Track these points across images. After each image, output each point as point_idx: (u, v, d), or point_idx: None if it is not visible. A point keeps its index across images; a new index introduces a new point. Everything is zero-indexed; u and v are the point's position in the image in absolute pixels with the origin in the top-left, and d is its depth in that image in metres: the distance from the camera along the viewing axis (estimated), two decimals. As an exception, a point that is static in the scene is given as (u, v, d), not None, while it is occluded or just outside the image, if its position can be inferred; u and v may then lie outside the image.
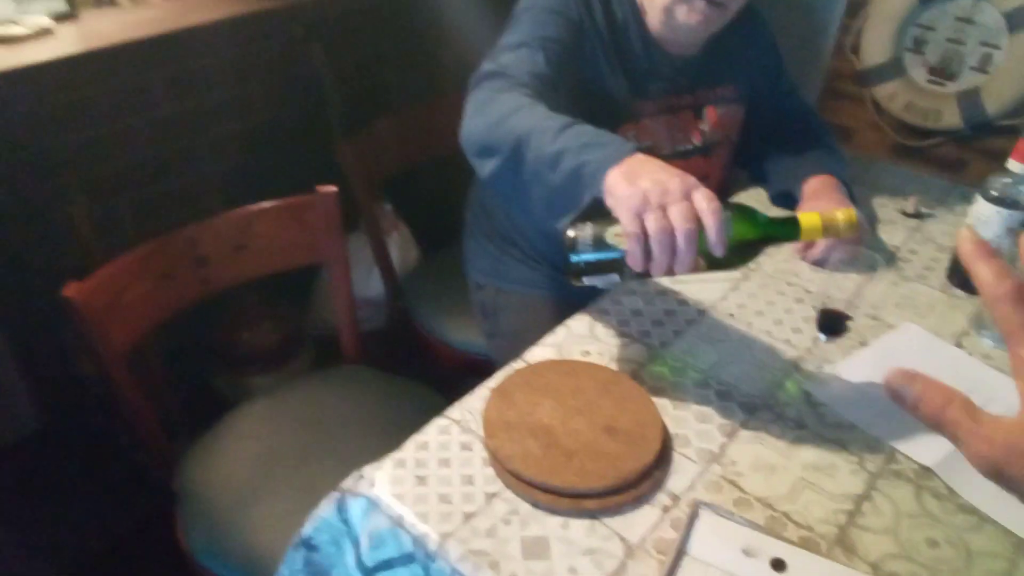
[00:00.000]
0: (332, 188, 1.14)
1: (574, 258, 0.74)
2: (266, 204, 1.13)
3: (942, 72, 1.87)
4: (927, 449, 0.77)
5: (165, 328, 1.08)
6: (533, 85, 0.91)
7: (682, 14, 1.00)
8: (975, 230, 0.99)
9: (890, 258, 1.09)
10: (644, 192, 0.70)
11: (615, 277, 0.75)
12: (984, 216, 0.97)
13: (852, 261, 0.84)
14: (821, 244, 1.03)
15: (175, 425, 1.24)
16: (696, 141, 1.15)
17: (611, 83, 1.05)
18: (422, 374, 1.29)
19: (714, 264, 0.72)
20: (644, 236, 0.69)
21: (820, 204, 1.04)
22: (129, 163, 1.44)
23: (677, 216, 0.68)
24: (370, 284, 1.59)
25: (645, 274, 0.72)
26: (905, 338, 0.93)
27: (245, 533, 0.98)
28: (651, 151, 0.81)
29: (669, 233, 0.68)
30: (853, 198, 1.11)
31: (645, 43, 1.07)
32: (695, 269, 0.71)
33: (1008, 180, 0.94)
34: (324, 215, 1.16)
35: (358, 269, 1.57)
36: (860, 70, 1.97)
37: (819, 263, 1.05)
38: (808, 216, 0.73)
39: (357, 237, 1.57)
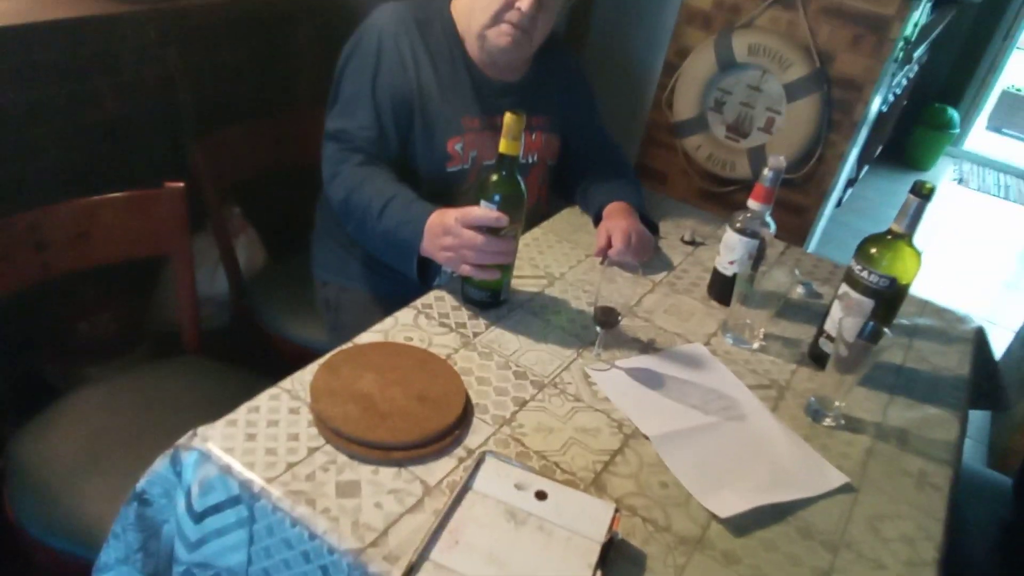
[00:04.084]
0: (179, 184, 1.21)
1: (469, 294, 1.14)
2: (111, 195, 1.18)
3: (737, 130, 2.22)
4: (652, 425, 0.96)
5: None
6: (366, 148, 1.21)
7: (493, 36, 1.22)
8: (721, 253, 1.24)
9: (666, 274, 1.33)
10: (444, 248, 1.06)
11: (487, 294, 1.13)
12: (730, 243, 1.22)
13: (636, 267, 1.04)
14: (616, 248, 1.23)
15: (2, 411, 1.23)
16: None
17: (439, 104, 1.25)
18: (263, 369, 1.37)
19: (514, 218, 1.04)
20: (471, 265, 1.05)
21: (614, 223, 1.27)
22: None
23: (468, 242, 1.02)
24: (215, 283, 1.64)
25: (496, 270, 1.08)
26: (684, 351, 1.13)
27: (75, 506, 1.02)
28: (476, 159, 1.26)
29: (475, 250, 1.03)
30: (646, 219, 1.35)
31: (468, 69, 1.28)
32: (506, 245, 1.05)
33: (749, 215, 1.20)
34: (170, 209, 1.23)
35: (204, 268, 1.62)
36: (673, 123, 2.29)
37: (612, 264, 1.24)
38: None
39: (205, 237, 1.62)
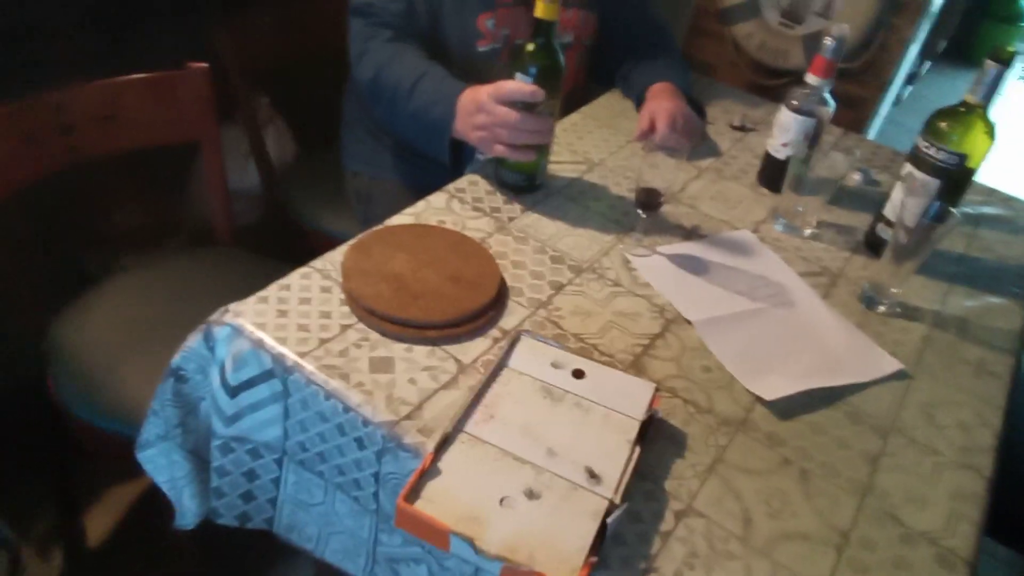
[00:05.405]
0: (203, 64, 1.16)
1: (503, 178, 1.09)
2: (134, 76, 1.14)
3: (791, 15, 2.06)
4: (695, 310, 0.92)
5: (36, 205, 1.08)
6: (394, 23, 1.15)
7: None
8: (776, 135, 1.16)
9: (713, 160, 1.26)
10: (477, 127, 1.00)
11: (522, 177, 1.08)
12: (785, 123, 1.14)
13: (681, 151, 0.97)
14: (660, 132, 1.15)
15: (42, 299, 1.24)
16: None
17: None
18: (297, 262, 1.35)
19: (552, 94, 0.98)
20: (505, 144, 0.99)
21: (657, 104, 1.18)
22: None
23: (501, 120, 0.96)
24: (246, 176, 1.61)
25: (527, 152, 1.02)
26: (730, 238, 1.07)
27: (116, 386, 1.04)
28: (508, 38, 1.17)
29: (510, 129, 0.97)
30: (693, 103, 1.26)
31: None
32: (543, 123, 0.99)
33: (806, 91, 1.11)
34: (195, 92, 1.19)
35: (234, 160, 1.59)
36: (722, 8, 2.13)
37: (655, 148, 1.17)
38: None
39: (233, 129, 1.58)
